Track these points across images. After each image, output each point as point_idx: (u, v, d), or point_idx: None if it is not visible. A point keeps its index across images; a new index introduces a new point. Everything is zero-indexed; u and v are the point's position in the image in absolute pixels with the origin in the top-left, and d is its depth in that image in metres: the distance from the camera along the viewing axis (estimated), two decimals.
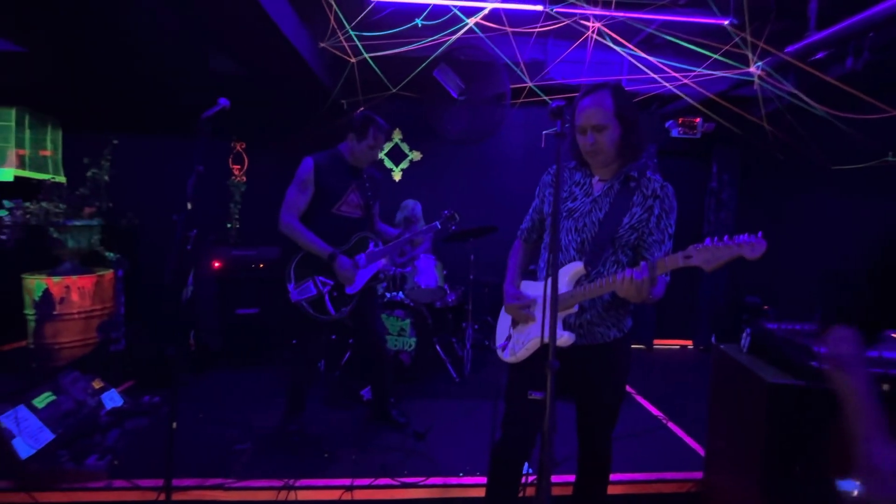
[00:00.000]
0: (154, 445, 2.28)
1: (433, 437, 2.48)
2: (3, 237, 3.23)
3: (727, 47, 3.05)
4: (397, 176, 4.35)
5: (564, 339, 1.39)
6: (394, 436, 2.50)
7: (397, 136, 4.31)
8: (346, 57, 3.20)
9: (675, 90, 3.53)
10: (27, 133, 3.68)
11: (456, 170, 4.35)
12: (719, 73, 3.24)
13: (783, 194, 4.06)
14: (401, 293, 3.34)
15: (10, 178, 3.55)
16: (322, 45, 3.12)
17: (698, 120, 4.17)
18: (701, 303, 4.47)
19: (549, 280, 1.04)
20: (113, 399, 2.58)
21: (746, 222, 4.38)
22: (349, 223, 2.30)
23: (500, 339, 1.62)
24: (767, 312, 1.76)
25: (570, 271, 1.40)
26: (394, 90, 3.59)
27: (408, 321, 3.26)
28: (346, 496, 2.00)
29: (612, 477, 2.07)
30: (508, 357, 1.55)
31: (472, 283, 3.43)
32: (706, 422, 2.02)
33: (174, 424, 1.60)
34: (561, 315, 1.41)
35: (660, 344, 4.56)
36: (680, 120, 4.20)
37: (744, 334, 1.86)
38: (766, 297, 3.91)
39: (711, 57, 3.17)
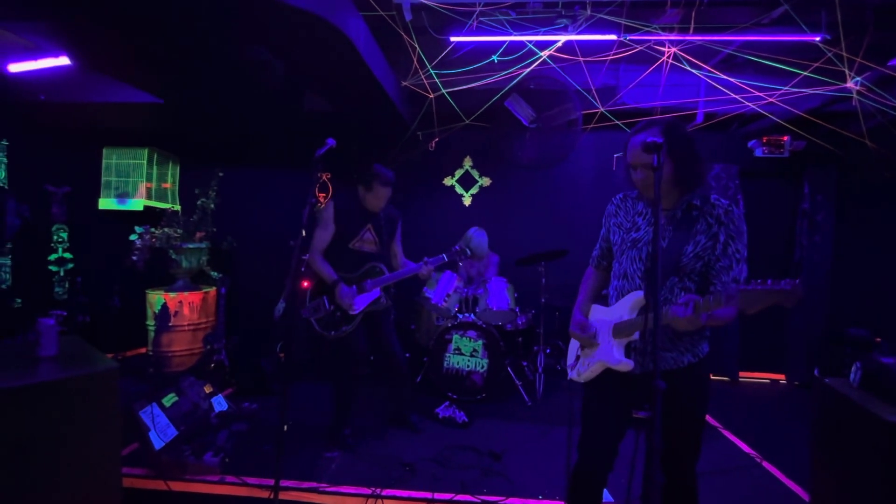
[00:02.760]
0: (254, 447, 2.52)
1: (509, 459, 2.51)
2: (135, 258, 3.78)
3: (818, 63, 2.91)
4: (467, 201, 4.51)
5: (623, 364, 1.42)
6: (471, 454, 2.56)
7: (468, 162, 4.50)
8: (424, 93, 3.45)
9: (758, 109, 3.39)
10: (154, 169, 4.32)
11: (526, 194, 4.43)
12: (810, 91, 3.08)
13: (891, 215, 3.69)
14: (472, 315, 3.44)
15: (141, 208, 4.16)
16: (405, 83, 3.40)
17: (786, 138, 3.95)
18: (794, 334, 4.11)
19: (644, 306, 1.09)
20: (220, 403, 2.89)
21: (846, 247, 4.02)
22: (362, 256, 2.65)
23: (570, 358, 1.69)
24: (880, 345, 1.62)
25: (632, 300, 1.45)
26: (467, 121, 3.78)
27: (480, 342, 3.34)
28: None
29: None
30: (574, 376, 1.62)
31: (543, 307, 3.45)
32: (808, 462, 1.88)
33: (285, 427, 1.79)
34: (622, 341, 1.45)
35: (746, 377, 4.24)
36: (765, 139, 4.00)
37: (853, 368, 1.74)
38: (871, 328, 3.53)
39: (799, 74, 3.03)
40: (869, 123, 3.23)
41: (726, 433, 2.94)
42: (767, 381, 4.22)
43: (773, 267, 4.18)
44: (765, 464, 2.55)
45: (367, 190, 2.58)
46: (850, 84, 2.93)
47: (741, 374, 4.22)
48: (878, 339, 2.57)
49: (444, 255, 2.61)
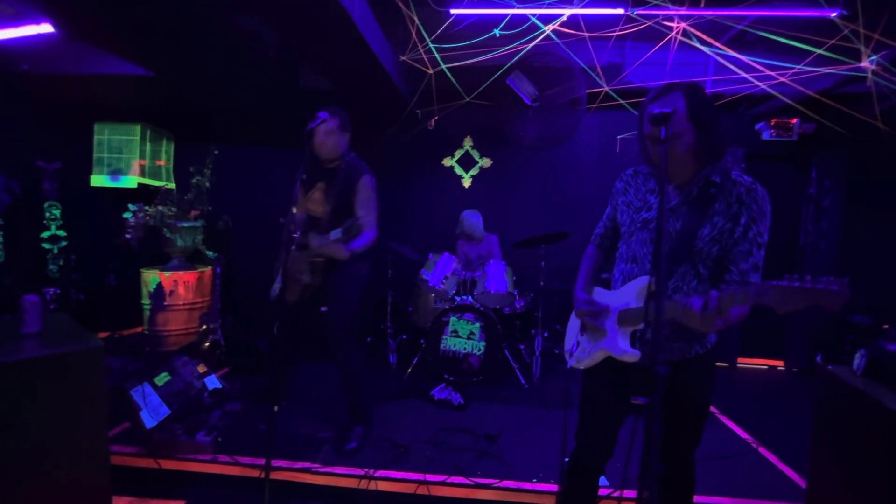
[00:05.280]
0: (248, 427, 2.51)
1: (504, 442, 2.50)
2: (128, 236, 3.73)
3: (834, 41, 2.80)
4: (467, 183, 4.42)
5: (628, 355, 1.35)
6: (466, 437, 2.54)
7: (468, 142, 4.40)
8: (423, 68, 3.34)
9: (768, 89, 3.28)
10: (147, 146, 4.23)
11: (527, 176, 4.35)
12: (823, 70, 2.97)
13: None
14: (470, 297, 3.39)
15: (134, 185, 4.08)
16: (403, 58, 3.28)
17: (795, 121, 3.84)
18: (795, 320, 4.07)
19: (649, 286, 1.03)
20: (213, 383, 2.86)
21: (853, 233, 3.95)
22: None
23: (567, 343, 1.63)
24: (888, 332, 1.57)
25: (640, 286, 1.35)
26: (468, 98, 3.67)
27: (477, 325, 3.30)
28: (422, 490, 2.08)
29: (701, 499, 1.98)
30: (573, 363, 1.55)
31: (542, 290, 3.41)
32: (805, 449, 1.85)
33: (275, 408, 1.76)
34: (627, 329, 1.38)
35: (745, 363, 4.22)
36: (773, 121, 3.90)
37: (857, 355, 1.69)
38: (877, 316, 3.49)
39: (813, 52, 2.91)
40: (882, 105, 3.12)
41: (723, 418, 2.92)
42: (765, 367, 4.20)
43: (778, 253, 4.11)
44: (761, 449, 2.53)
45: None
46: (865, 63, 2.82)
47: (739, 359, 4.20)
48: (886, 326, 2.52)
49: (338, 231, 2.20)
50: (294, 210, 1.72)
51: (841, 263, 3.96)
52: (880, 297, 3.70)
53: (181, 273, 3.87)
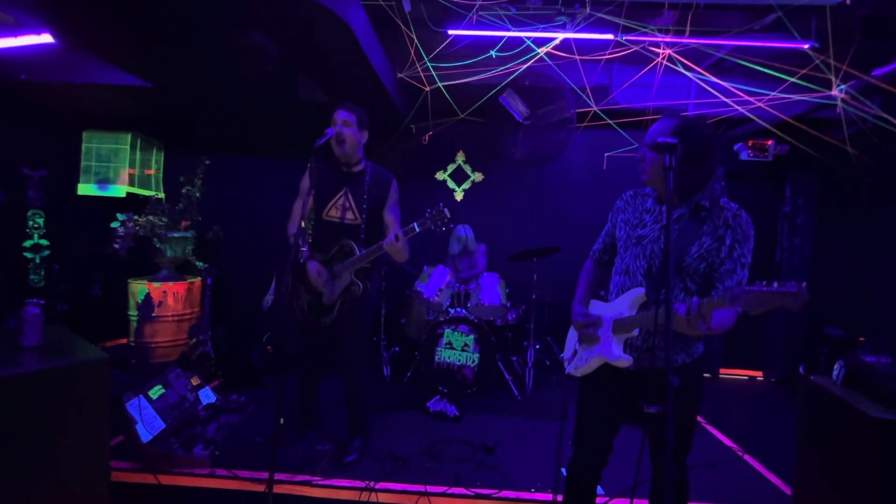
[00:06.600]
0: (245, 440, 2.49)
1: (501, 452, 2.53)
2: (117, 246, 3.66)
3: (806, 70, 3.00)
4: (459, 196, 4.50)
5: (622, 360, 1.45)
6: (463, 448, 2.57)
7: (461, 157, 4.49)
8: (420, 85, 3.42)
9: (746, 113, 3.48)
10: (137, 155, 4.18)
11: (518, 190, 4.45)
12: (796, 97, 3.17)
13: (868, 219, 3.83)
14: (463, 310, 3.44)
15: (123, 195, 4.02)
16: (400, 75, 3.36)
17: (770, 142, 4.06)
18: (773, 333, 4.25)
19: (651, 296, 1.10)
20: (207, 396, 2.83)
21: (825, 249, 4.16)
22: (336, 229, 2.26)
23: (567, 351, 1.71)
24: (863, 344, 1.69)
25: (633, 297, 1.46)
26: (462, 115, 3.77)
27: (472, 337, 3.35)
28: (423, 501, 2.09)
29: None
30: (571, 370, 1.64)
31: (534, 303, 3.48)
32: (789, 457, 1.95)
33: (281, 420, 1.77)
34: (621, 337, 1.48)
35: (726, 373, 4.37)
36: (750, 143, 4.11)
37: (836, 366, 1.81)
38: (847, 328, 3.68)
39: (787, 80, 3.11)
40: (850, 130, 3.34)
41: (709, 427, 3.03)
42: (746, 377, 4.35)
43: (755, 268, 4.30)
44: (746, 457, 2.63)
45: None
46: (835, 91, 3.02)
47: (722, 370, 4.34)
48: (861, 339, 2.67)
49: (416, 225, 2.10)
50: (302, 224, 1.75)
51: (814, 278, 4.16)
52: (851, 310, 3.91)
53: (170, 284, 3.82)
